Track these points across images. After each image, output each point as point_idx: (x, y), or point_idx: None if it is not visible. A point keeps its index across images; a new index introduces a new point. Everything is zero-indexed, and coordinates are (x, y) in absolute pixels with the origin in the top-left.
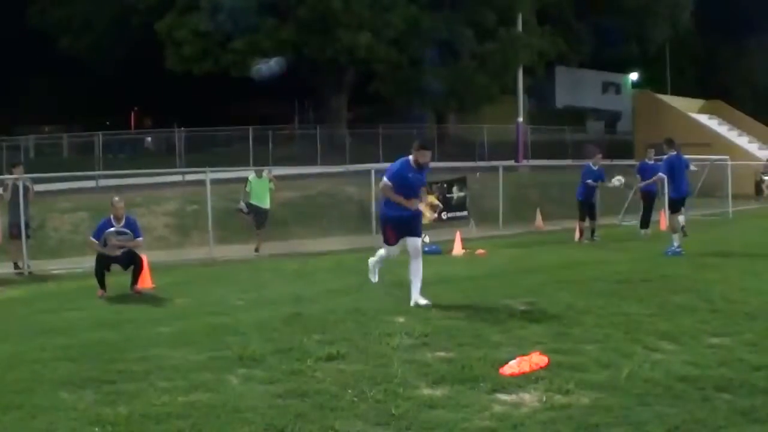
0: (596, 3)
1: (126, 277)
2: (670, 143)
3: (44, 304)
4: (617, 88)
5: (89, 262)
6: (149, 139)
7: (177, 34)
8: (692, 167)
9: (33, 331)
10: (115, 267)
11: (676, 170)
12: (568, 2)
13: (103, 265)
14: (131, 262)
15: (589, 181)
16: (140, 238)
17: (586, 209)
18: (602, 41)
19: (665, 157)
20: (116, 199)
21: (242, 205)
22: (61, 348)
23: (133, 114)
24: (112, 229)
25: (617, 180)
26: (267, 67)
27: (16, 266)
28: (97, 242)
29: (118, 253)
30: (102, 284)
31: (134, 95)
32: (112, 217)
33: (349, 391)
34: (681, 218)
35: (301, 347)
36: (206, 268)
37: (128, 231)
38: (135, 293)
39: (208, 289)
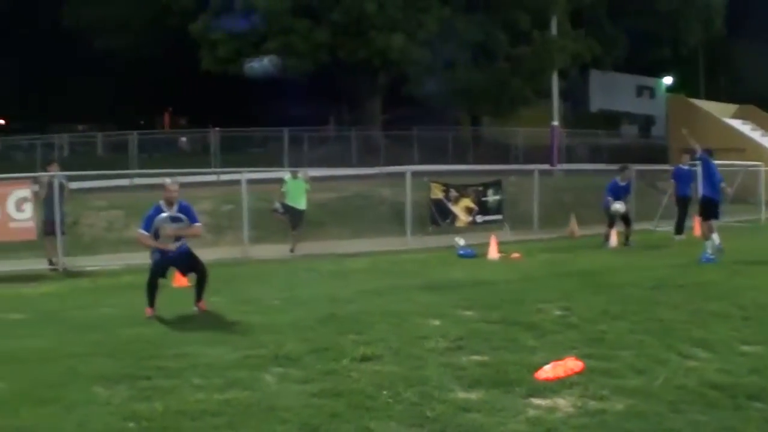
0: (629, 6)
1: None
2: (710, 153)
3: (79, 301)
4: (651, 92)
5: (124, 259)
6: (184, 139)
7: (212, 35)
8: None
9: (68, 326)
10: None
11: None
12: (601, 5)
13: (159, 271)
14: (192, 266)
15: (609, 199)
16: (199, 224)
17: (616, 217)
18: (635, 44)
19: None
20: (169, 181)
21: (278, 205)
22: (95, 344)
23: (167, 114)
24: (164, 215)
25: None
26: (260, 65)
27: (50, 262)
28: (148, 234)
29: (173, 248)
30: (152, 300)
31: (169, 95)
32: (162, 202)
33: (384, 392)
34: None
35: (336, 347)
36: (241, 267)
37: (183, 217)
38: (199, 310)
39: (244, 288)
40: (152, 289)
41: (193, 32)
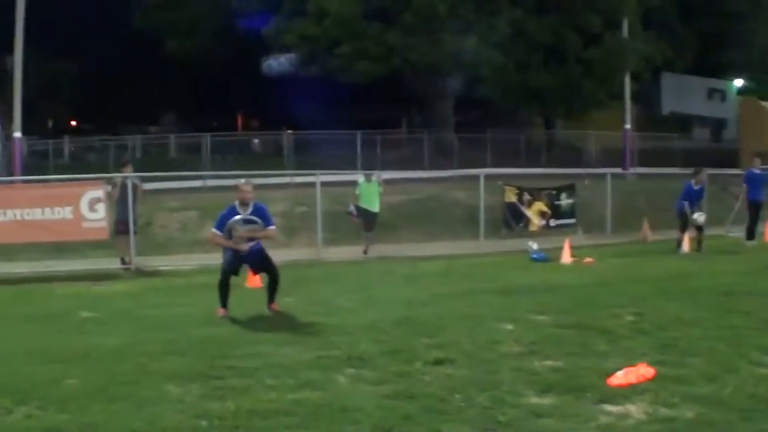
0: (699, 7)
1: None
2: None
3: (152, 300)
4: (722, 95)
5: (197, 260)
6: (257, 141)
7: (284, 38)
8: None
9: (140, 324)
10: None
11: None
12: (671, 7)
13: (231, 270)
14: (264, 266)
15: (685, 203)
16: (272, 227)
17: (687, 221)
18: (706, 46)
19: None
20: (243, 182)
21: (352, 207)
22: (168, 342)
23: (239, 116)
24: (238, 217)
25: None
26: (279, 64)
27: (122, 261)
28: (221, 234)
29: (246, 248)
30: (224, 300)
31: (241, 98)
32: (237, 203)
33: (457, 395)
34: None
35: (409, 350)
36: (314, 268)
37: (257, 219)
38: (271, 311)
39: (317, 289)
40: (224, 289)
41: (265, 36)
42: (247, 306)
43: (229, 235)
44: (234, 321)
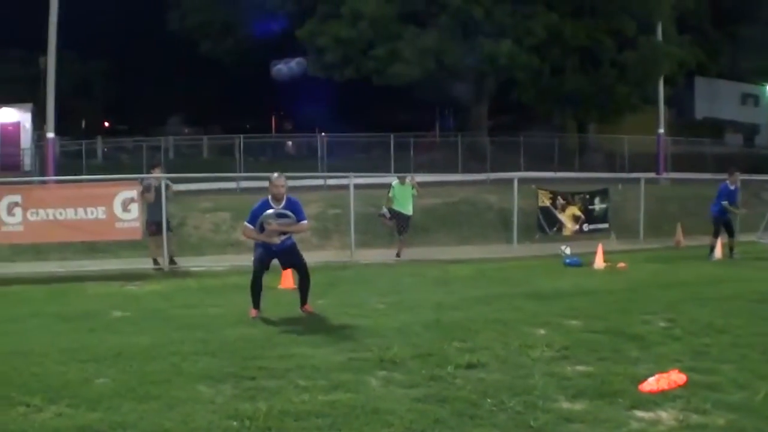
0: (733, 12)
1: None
2: None
3: (184, 300)
4: (755, 100)
5: (229, 261)
6: (290, 143)
7: (318, 40)
8: None
9: (172, 324)
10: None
11: None
12: (705, 11)
13: (261, 265)
14: (294, 261)
15: (725, 203)
16: (305, 222)
17: (722, 226)
18: (739, 51)
19: None
20: (275, 175)
21: (385, 210)
22: (200, 342)
23: (273, 118)
24: (270, 211)
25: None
26: (288, 67)
27: (155, 262)
28: (252, 228)
29: (277, 241)
30: (257, 301)
31: (274, 100)
32: (270, 197)
33: (489, 400)
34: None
35: (441, 353)
36: (347, 271)
37: (290, 213)
38: (304, 312)
39: (349, 291)
40: (256, 288)
41: (299, 37)
42: (280, 307)
43: (261, 229)
44: (266, 322)
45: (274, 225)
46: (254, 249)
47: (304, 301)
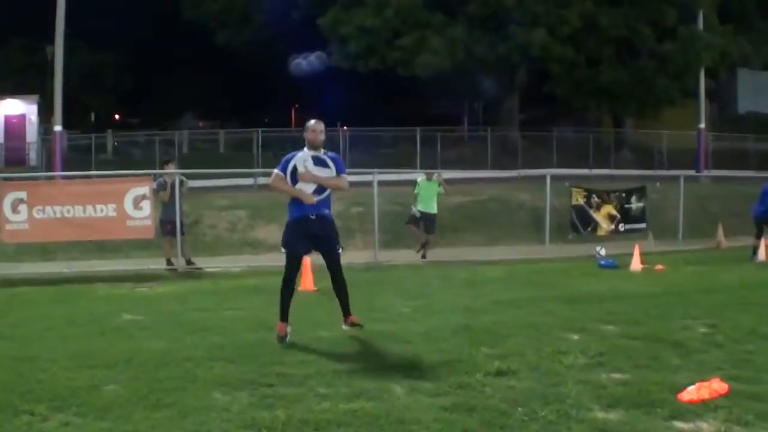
0: None
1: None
2: None
3: (199, 302)
4: None
5: (246, 261)
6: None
7: (342, 29)
8: None
9: (186, 328)
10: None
11: None
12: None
13: (296, 255)
14: (328, 245)
15: None
16: (344, 175)
17: (765, 226)
18: None
19: None
20: (313, 121)
21: (415, 210)
22: (216, 347)
23: (293, 111)
24: (306, 152)
25: None
26: (307, 62)
27: (168, 262)
28: (283, 176)
29: (314, 200)
30: (286, 309)
31: (294, 92)
32: (305, 148)
33: (519, 409)
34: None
35: (469, 360)
36: (371, 272)
37: (329, 161)
38: (350, 326)
39: (373, 294)
40: (287, 291)
41: (321, 26)
42: (299, 309)
43: (293, 179)
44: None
45: (308, 173)
46: (284, 232)
47: (346, 311)
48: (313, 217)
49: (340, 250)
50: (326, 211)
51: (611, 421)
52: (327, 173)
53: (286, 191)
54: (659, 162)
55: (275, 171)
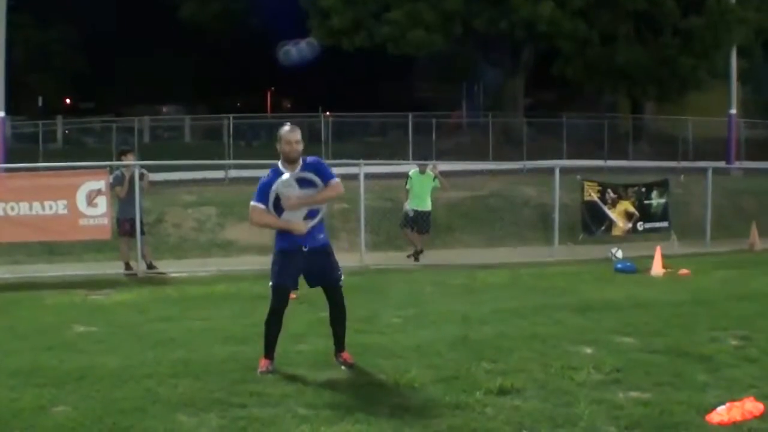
0: None
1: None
2: None
3: (161, 312)
4: None
5: (215, 265)
6: (288, 125)
7: (323, 1)
8: None
9: (147, 342)
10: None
11: None
12: None
13: (286, 289)
14: (327, 278)
15: None
16: (335, 179)
17: None
18: None
19: None
20: (287, 128)
21: (408, 209)
22: (180, 363)
23: (269, 95)
24: (286, 176)
25: None
26: (297, 49)
27: (127, 266)
28: (264, 208)
29: (304, 229)
30: (271, 346)
31: (270, 73)
32: (280, 163)
33: None
34: None
35: (468, 377)
36: (356, 277)
37: (313, 177)
38: (341, 363)
39: (359, 301)
40: (273, 328)
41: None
42: None
43: (276, 207)
44: (259, 339)
45: (293, 198)
46: (272, 262)
47: (339, 345)
48: (306, 249)
49: (341, 282)
50: (321, 237)
51: None
52: (315, 190)
53: (271, 226)
54: (684, 152)
55: (252, 203)
